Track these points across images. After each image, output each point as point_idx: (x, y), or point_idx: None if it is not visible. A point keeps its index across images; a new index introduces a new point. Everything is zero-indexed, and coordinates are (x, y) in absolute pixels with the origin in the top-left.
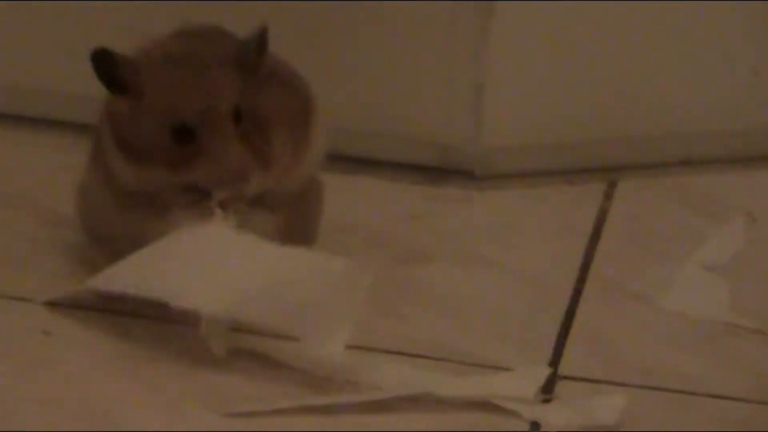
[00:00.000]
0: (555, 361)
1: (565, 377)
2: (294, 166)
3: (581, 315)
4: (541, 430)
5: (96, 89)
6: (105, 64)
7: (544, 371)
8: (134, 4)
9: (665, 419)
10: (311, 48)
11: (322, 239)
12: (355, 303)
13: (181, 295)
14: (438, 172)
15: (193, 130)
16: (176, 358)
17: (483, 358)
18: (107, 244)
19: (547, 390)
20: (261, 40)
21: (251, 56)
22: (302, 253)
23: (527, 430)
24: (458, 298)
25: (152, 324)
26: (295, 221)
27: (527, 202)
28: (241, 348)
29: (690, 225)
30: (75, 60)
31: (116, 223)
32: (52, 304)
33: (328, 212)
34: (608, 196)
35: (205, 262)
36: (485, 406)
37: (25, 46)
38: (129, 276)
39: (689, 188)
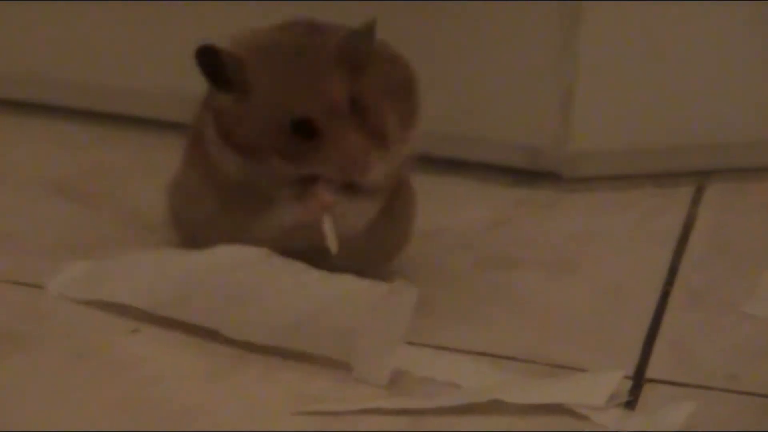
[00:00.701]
0: (641, 366)
1: (651, 380)
2: (403, 141)
3: (667, 320)
4: None
5: (180, 88)
6: (210, 60)
7: (617, 375)
8: (217, 5)
9: (750, 424)
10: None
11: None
12: (401, 326)
13: (227, 324)
14: (526, 174)
15: (314, 123)
16: (261, 361)
17: (567, 361)
18: (203, 243)
19: (633, 394)
20: (369, 32)
21: (359, 48)
22: (346, 279)
23: None
24: (543, 303)
25: None
26: (390, 221)
27: (614, 206)
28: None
29: None
30: (158, 58)
31: (215, 220)
32: None
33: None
34: (696, 201)
35: (251, 288)
36: (561, 410)
37: (105, 44)
38: (173, 297)
39: None
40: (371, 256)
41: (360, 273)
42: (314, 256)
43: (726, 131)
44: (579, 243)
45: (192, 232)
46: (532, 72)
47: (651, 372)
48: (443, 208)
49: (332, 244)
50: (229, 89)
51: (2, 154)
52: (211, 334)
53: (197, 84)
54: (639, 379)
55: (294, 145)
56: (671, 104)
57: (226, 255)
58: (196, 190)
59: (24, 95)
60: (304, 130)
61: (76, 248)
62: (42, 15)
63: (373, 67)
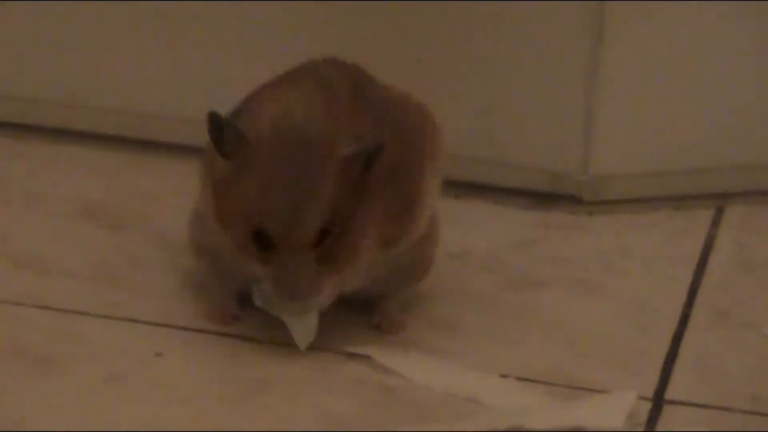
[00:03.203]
0: (661, 386)
1: (671, 402)
2: (400, 240)
3: (688, 341)
4: None
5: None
6: (216, 129)
7: (631, 396)
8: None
9: None
10: (420, 75)
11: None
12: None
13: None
14: (547, 197)
15: (270, 239)
16: (288, 382)
17: (589, 382)
18: (222, 272)
19: (653, 415)
20: (372, 156)
21: (363, 167)
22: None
23: None
24: (566, 323)
25: (264, 347)
26: (413, 247)
27: (635, 228)
28: (352, 374)
29: None
30: (188, 85)
31: (233, 256)
32: (165, 326)
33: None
34: (716, 223)
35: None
36: None
37: (137, 71)
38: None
39: None
40: (396, 280)
41: (384, 296)
42: None
43: (746, 153)
44: (601, 264)
45: (212, 262)
46: (553, 96)
47: (672, 393)
48: (466, 230)
49: (300, 341)
50: (228, 158)
51: (34, 179)
52: (233, 358)
53: (226, 111)
54: (659, 400)
55: (255, 244)
56: (691, 127)
57: None
58: (211, 226)
59: (56, 121)
60: (260, 241)
61: (105, 272)
62: (75, 41)
63: (374, 183)
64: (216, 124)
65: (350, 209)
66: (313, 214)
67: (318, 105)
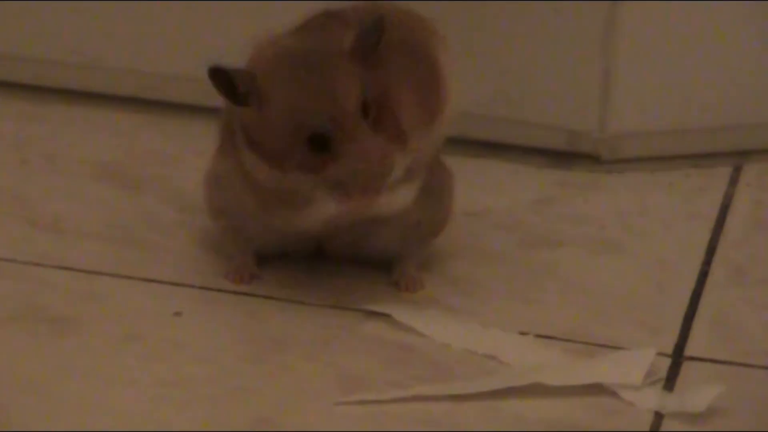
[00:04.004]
0: (680, 343)
1: (691, 358)
2: (429, 130)
3: (707, 298)
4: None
5: None
6: (222, 79)
7: (651, 353)
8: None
9: None
10: None
11: (451, 224)
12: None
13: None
14: (565, 156)
15: (326, 136)
16: (307, 341)
17: (607, 339)
18: (240, 232)
19: (672, 371)
20: (378, 28)
21: (370, 46)
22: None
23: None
24: (585, 281)
25: (282, 306)
26: (427, 200)
27: (653, 186)
28: (371, 332)
29: None
30: (205, 46)
31: (254, 215)
32: (183, 286)
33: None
34: (734, 181)
35: None
36: (600, 389)
37: (154, 32)
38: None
39: None
40: (412, 236)
41: (402, 255)
42: (355, 238)
43: (764, 112)
44: (619, 223)
45: (229, 222)
46: (571, 55)
47: (690, 349)
48: (485, 189)
49: None
50: (247, 103)
51: (52, 140)
52: (252, 317)
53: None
54: (678, 356)
55: (311, 157)
56: (708, 85)
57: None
58: (231, 186)
59: (73, 83)
60: (318, 144)
61: (123, 233)
62: (91, 3)
63: (392, 60)
64: (218, 75)
65: (379, 86)
66: (347, 90)
67: (317, 28)
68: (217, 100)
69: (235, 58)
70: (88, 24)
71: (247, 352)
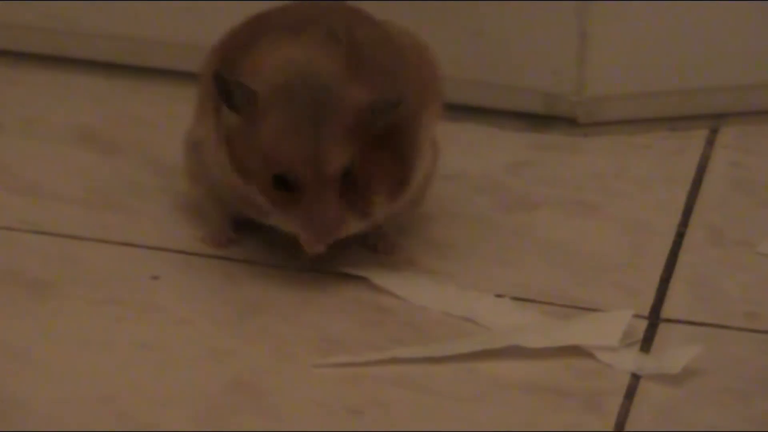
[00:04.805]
0: (657, 305)
1: (667, 320)
2: (394, 203)
3: (683, 260)
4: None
5: (204, 39)
6: (224, 87)
7: (627, 315)
8: None
9: None
10: None
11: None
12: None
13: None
14: (542, 119)
15: (294, 183)
16: (285, 304)
17: (584, 302)
18: (217, 197)
19: (649, 333)
20: (393, 111)
21: (380, 121)
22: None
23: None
24: (562, 244)
25: (260, 269)
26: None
27: (630, 149)
28: (349, 295)
29: None
30: (186, 10)
31: (233, 183)
32: (161, 250)
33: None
34: (710, 143)
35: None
36: (577, 351)
37: None
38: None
39: None
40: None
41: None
42: None
43: (740, 74)
44: (596, 185)
45: (208, 188)
46: (547, 17)
47: (667, 311)
48: (461, 152)
49: None
50: (239, 113)
51: (29, 105)
52: (229, 280)
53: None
54: (655, 318)
55: (274, 189)
56: (686, 47)
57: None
58: (211, 154)
59: (51, 48)
60: (282, 184)
61: (101, 197)
62: None
63: (381, 135)
64: (223, 83)
65: (364, 155)
66: (337, 152)
67: (322, 54)
68: (196, 65)
69: (212, 22)
70: None
71: (225, 315)
